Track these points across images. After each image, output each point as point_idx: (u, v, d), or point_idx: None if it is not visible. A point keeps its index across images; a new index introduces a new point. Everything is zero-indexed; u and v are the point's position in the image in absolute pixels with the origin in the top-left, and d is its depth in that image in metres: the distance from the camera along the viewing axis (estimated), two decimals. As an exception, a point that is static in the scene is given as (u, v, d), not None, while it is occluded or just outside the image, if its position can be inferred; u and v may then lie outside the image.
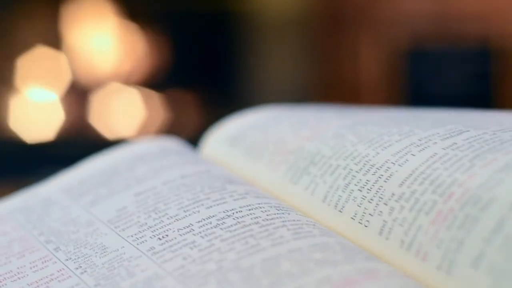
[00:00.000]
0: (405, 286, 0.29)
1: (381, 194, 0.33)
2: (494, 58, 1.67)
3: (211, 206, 0.35)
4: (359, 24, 1.74)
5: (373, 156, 0.36)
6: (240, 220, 0.34)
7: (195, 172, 0.39)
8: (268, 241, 0.32)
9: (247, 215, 0.34)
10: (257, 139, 0.43)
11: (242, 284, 0.30)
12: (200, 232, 0.34)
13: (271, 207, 0.35)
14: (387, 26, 1.71)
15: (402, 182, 0.33)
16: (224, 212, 0.35)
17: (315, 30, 1.75)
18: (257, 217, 0.34)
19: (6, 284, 0.35)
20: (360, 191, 0.34)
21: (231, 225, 0.34)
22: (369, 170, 0.35)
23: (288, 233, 0.33)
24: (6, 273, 0.35)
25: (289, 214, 0.35)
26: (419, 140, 0.35)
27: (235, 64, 1.75)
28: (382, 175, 0.34)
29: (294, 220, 0.34)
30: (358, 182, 0.35)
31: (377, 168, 0.35)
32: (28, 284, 0.34)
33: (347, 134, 0.39)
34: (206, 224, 0.34)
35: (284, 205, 0.36)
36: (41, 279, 0.34)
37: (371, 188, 0.34)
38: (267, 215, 0.34)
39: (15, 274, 0.35)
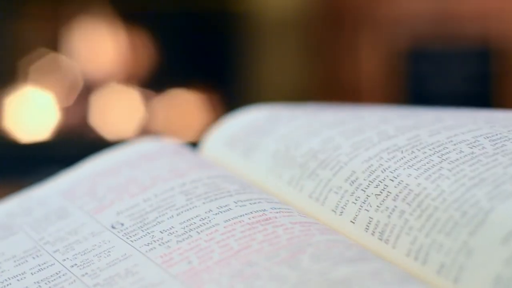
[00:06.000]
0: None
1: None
2: (494, 58, 1.67)
3: (218, 213, 0.35)
4: (359, 24, 1.73)
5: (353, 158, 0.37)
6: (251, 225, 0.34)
7: (200, 177, 0.39)
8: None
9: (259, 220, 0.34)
10: (255, 139, 0.43)
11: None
12: (201, 231, 0.34)
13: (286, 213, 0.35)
14: (387, 26, 1.71)
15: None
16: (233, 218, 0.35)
17: (315, 30, 1.75)
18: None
19: (10, 284, 0.34)
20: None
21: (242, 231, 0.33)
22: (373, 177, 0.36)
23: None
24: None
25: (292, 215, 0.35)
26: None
27: (235, 64, 1.75)
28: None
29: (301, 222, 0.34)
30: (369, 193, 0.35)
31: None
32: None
33: (336, 136, 0.39)
34: (208, 227, 0.34)
35: (289, 208, 0.36)
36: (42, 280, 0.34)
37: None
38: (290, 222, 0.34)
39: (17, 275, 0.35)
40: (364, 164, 0.37)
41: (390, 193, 0.34)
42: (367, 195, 0.35)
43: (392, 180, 0.35)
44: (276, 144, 0.41)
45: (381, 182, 0.35)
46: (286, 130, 0.42)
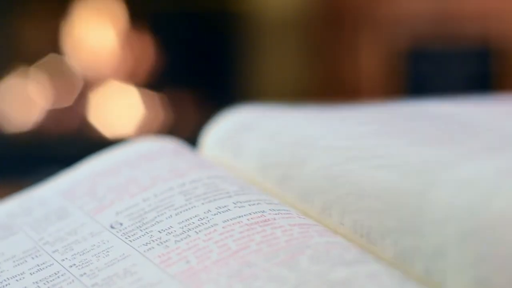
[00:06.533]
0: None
1: None
2: (494, 58, 1.67)
3: (217, 213, 0.35)
4: (359, 24, 1.73)
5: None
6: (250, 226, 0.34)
7: (200, 178, 0.39)
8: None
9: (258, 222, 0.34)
10: (245, 139, 0.43)
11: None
12: (199, 231, 0.34)
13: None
14: (387, 26, 1.71)
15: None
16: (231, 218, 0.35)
17: (315, 30, 1.75)
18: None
19: (9, 284, 0.34)
20: None
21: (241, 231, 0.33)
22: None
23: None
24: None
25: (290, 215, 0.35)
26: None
27: (235, 64, 1.75)
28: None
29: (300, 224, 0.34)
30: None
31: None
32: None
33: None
34: (207, 228, 0.34)
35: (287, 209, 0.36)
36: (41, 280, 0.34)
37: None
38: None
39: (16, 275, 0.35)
40: (334, 159, 0.36)
41: (353, 193, 0.34)
42: (338, 196, 0.34)
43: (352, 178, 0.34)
44: (263, 142, 0.41)
45: (345, 181, 0.34)
46: (273, 129, 0.42)
